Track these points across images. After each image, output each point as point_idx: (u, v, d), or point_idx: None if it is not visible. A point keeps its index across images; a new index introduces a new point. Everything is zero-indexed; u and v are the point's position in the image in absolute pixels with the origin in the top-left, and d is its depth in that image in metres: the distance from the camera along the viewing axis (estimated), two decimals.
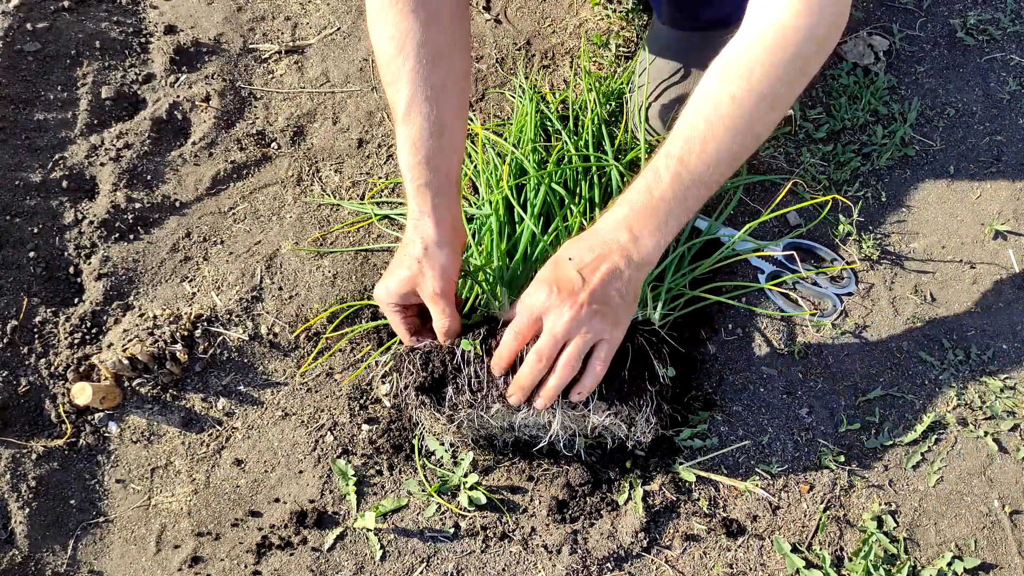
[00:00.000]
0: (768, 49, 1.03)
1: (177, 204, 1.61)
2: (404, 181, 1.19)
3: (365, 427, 1.37)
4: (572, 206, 1.44)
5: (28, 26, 1.78)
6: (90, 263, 1.53)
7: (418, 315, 1.24)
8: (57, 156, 1.64)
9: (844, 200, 1.54)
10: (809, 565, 1.23)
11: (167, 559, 1.28)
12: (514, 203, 1.44)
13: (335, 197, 1.62)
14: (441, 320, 1.18)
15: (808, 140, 1.62)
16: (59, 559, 1.27)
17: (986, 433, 1.33)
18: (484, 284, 1.32)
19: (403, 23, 1.15)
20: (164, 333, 1.42)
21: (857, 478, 1.30)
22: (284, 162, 1.67)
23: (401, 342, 1.27)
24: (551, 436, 1.24)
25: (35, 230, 1.55)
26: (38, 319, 1.47)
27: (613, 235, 1.09)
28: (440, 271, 1.16)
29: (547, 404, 1.13)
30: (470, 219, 1.48)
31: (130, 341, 1.42)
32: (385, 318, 1.30)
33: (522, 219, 1.43)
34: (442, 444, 1.33)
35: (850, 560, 1.23)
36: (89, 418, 1.38)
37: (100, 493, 1.34)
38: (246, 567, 1.26)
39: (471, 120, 1.66)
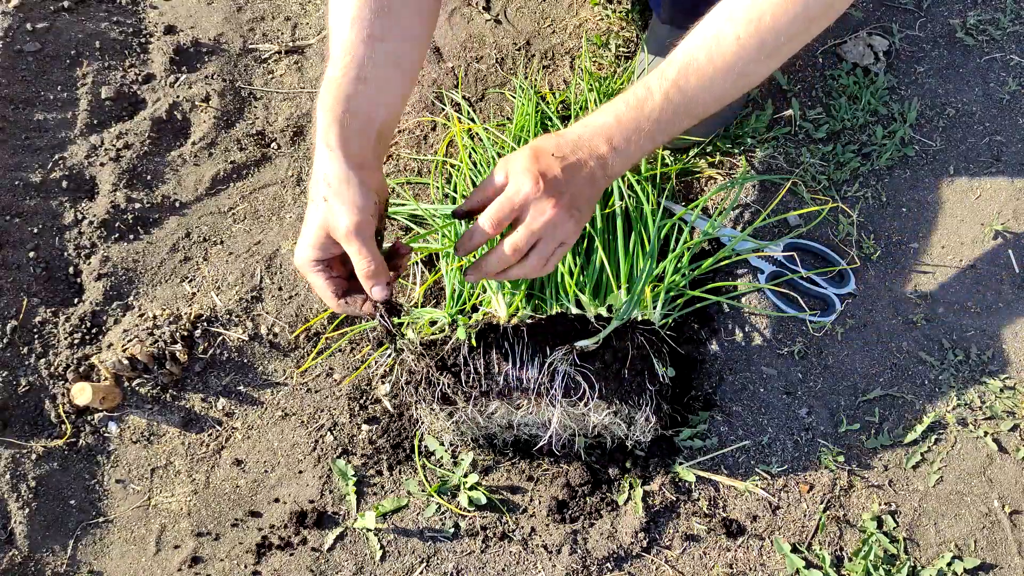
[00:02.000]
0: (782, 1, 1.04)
1: (177, 204, 1.61)
2: (315, 120, 1.07)
3: (365, 427, 1.37)
4: None
5: (28, 26, 1.78)
6: (90, 263, 1.53)
7: (347, 278, 1.10)
8: (57, 156, 1.64)
9: (845, 208, 1.54)
10: (809, 565, 1.23)
11: (167, 559, 1.28)
12: None
13: None
14: (360, 262, 1.03)
15: (808, 140, 1.62)
16: (59, 559, 1.27)
17: (986, 433, 1.33)
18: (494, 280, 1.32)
19: None
20: (164, 333, 1.42)
21: (857, 478, 1.30)
22: (284, 162, 1.67)
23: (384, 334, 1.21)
24: (551, 435, 1.24)
25: (35, 230, 1.55)
26: (38, 319, 1.47)
27: (595, 142, 1.08)
28: (350, 205, 1.01)
29: (482, 279, 1.10)
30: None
31: (130, 341, 1.42)
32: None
33: None
34: (442, 444, 1.33)
35: (850, 560, 1.23)
36: (89, 418, 1.38)
37: (100, 493, 1.34)
38: (246, 567, 1.26)
39: (472, 120, 1.66)
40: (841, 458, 1.31)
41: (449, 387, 1.21)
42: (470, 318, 1.32)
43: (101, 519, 1.32)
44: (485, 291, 1.39)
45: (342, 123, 1.05)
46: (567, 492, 1.29)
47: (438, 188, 1.57)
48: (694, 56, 1.07)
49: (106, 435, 1.38)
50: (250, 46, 1.82)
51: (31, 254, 1.53)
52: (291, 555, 1.27)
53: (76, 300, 1.50)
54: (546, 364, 1.19)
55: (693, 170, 1.59)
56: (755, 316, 1.44)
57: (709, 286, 1.42)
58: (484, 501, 1.29)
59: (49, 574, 1.26)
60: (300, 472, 1.34)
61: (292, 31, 1.85)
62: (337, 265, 1.09)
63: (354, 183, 1.02)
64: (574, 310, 1.29)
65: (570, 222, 1.06)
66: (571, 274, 1.36)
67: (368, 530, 1.27)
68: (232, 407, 1.41)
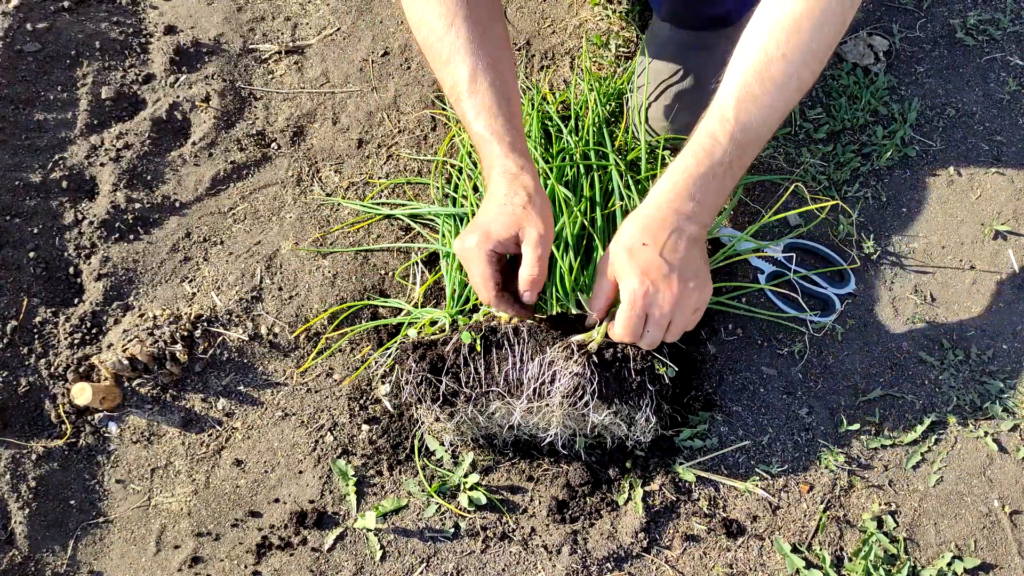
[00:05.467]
0: (812, 2, 1.06)
1: (177, 204, 1.61)
2: (487, 147, 1.19)
3: (365, 427, 1.37)
4: (575, 206, 1.44)
5: (28, 26, 1.78)
6: (90, 263, 1.53)
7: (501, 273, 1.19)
8: (57, 156, 1.64)
9: (846, 208, 1.54)
10: (809, 565, 1.23)
11: (167, 559, 1.28)
12: None
13: (335, 197, 1.62)
14: (534, 268, 1.14)
15: (808, 140, 1.62)
16: (59, 559, 1.27)
17: (986, 433, 1.33)
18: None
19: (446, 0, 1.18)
20: (164, 333, 1.42)
21: (857, 478, 1.30)
22: (284, 162, 1.67)
23: (398, 337, 1.26)
24: (552, 435, 1.24)
25: (35, 230, 1.55)
26: (38, 319, 1.47)
27: (679, 206, 1.11)
28: (546, 219, 1.15)
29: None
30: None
31: (130, 341, 1.42)
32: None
33: None
34: (442, 444, 1.33)
35: (850, 560, 1.23)
36: (89, 418, 1.38)
37: (100, 493, 1.33)
38: (246, 567, 1.26)
39: None
40: (841, 458, 1.31)
41: (449, 387, 1.21)
42: (470, 318, 1.32)
43: (101, 519, 1.31)
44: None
45: (516, 146, 1.18)
46: (567, 492, 1.29)
47: (438, 188, 1.57)
48: (748, 87, 1.09)
49: (106, 435, 1.38)
50: (250, 46, 1.82)
51: (31, 254, 1.53)
52: (291, 555, 1.27)
53: (76, 300, 1.50)
54: (545, 362, 1.19)
55: None
56: (755, 316, 1.44)
57: None
58: (484, 501, 1.28)
59: (49, 574, 1.26)
60: (300, 472, 1.34)
61: (292, 31, 1.85)
62: (502, 259, 1.19)
63: (547, 200, 1.18)
64: (574, 310, 1.30)
65: (693, 292, 1.11)
66: (571, 273, 1.36)
67: (368, 530, 1.27)
68: (232, 407, 1.41)
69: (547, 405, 1.19)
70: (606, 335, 1.20)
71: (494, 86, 1.18)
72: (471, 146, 1.27)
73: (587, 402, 1.17)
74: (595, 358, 1.17)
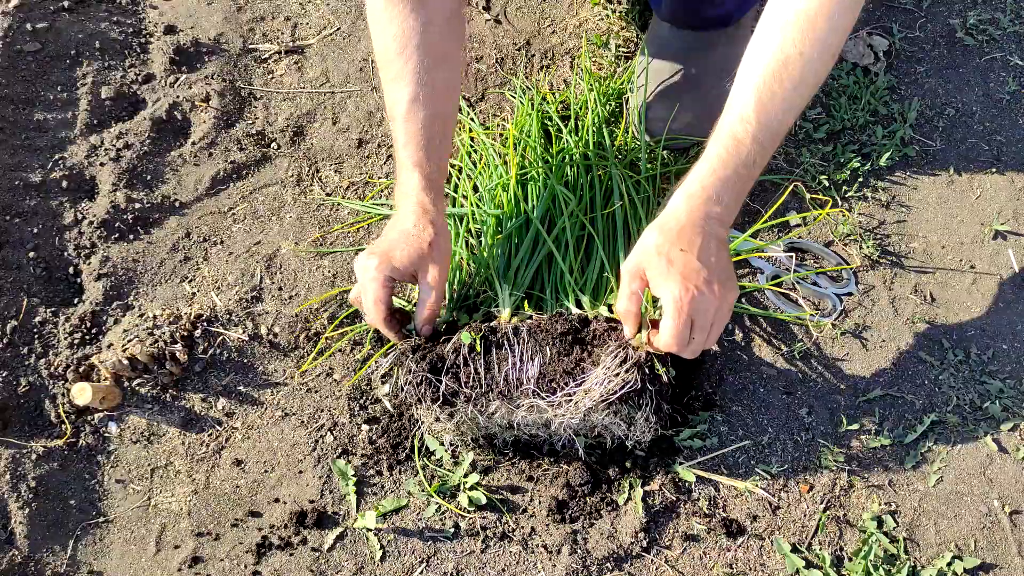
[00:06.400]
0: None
1: (177, 204, 1.61)
2: (407, 174, 1.23)
3: (365, 427, 1.37)
4: (575, 206, 1.44)
5: (28, 26, 1.78)
6: (90, 263, 1.53)
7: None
8: (57, 156, 1.64)
9: (846, 208, 1.54)
10: (809, 565, 1.23)
11: (167, 559, 1.28)
12: (520, 200, 1.45)
13: (335, 197, 1.62)
14: (430, 308, 1.22)
15: (808, 140, 1.62)
16: (59, 559, 1.27)
17: (986, 433, 1.33)
18: (494, 280, 1.32)
19: (405, 24, 1.19)
20: (164, 333, 1.42)
21: (857, 478, 1.30)
22: (284, 162, 1.67)
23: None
24: (554, 436, 1.24)
25: (35, 230, 1.55)
26: (38, 319, 1.47)
27: (708, 209, 1.12)
28: (445, 260, 1.22)
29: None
30: (469, 217, 1.48)
31: (130, 341, 1.42)
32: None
33: (522, 217, 1.43)
34: (442, 444, 1.33)
35: (850, 560, 1.23)
36: (89, 418, 1.38)
37: (100, 493, 1.33)
38: (246, 567, 1.26)
39: (472, 121, 1.66)
40: (841, 458, 1.31)
41: (449, 387, 1.21)
42: (471, 317, 1.32)
43: (101, 519, 1.31)
44: (486, 291, 1.39)
45: (433, 181, 1.23)
46: (567, 492, 1.29)
47: None
48: (767, 86, 1.09)
49: (106, 435, 1.38)
50: (250, 46, 1.82)
51: (31, 254, 1.53)
52: (291, 555, 1.27)
53: (76, 300, 1.50)
54: (588, 362, 1.19)
55: None
56: (755, 316, 1.44)
57: None
58: (484, 501, 1.28)
59: (49, 574, 1.26)
60: (300, 472, 1.34)
61: (292, 31, 1.85)
62: (393, 287, 1.24)
63: (450, 241, 1.24)
64: (574, 310, 1.30)
65: (730, 294, 1.12)
66: (571, 273, 1.37)
67: (368, 530, 1.27)
68: (232, 407, 1.41)
69: (576, 405, 1.19)
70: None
71: (429, 117, 1.21)
72: (396, 166, 1.31)
73: (629, 412, 1.18)
74: (645, 368, 1.18)
